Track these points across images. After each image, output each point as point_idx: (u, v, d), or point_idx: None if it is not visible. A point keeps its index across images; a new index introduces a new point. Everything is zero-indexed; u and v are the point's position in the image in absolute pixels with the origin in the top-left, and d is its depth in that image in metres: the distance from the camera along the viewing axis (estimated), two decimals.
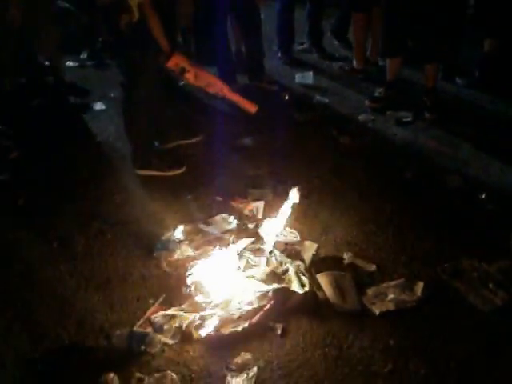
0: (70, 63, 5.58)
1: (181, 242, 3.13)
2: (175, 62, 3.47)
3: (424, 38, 4.42)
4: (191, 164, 3.96)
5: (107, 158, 4.18)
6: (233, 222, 3.25)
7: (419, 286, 2.84)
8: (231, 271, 2.85)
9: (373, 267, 2.99)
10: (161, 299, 2.81)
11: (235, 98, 3.67)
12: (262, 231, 3.13)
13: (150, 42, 3.42)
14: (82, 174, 3.95)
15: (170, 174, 3.86)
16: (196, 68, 3.56)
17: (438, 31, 4.35)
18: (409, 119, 4.54)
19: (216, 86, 3.63)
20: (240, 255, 2.95)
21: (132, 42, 3.47)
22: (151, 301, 2.82)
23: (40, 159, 4.12)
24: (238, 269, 2.88)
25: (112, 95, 4.97)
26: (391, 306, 2.74)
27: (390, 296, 2.78)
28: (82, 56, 5.75)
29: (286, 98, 4.92)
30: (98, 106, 4.88)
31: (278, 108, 4.80)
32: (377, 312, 2.72)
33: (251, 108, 3.64)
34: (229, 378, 2.42)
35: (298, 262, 2.95)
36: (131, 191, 3.71)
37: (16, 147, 4.16)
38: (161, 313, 2.70)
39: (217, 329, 2.60)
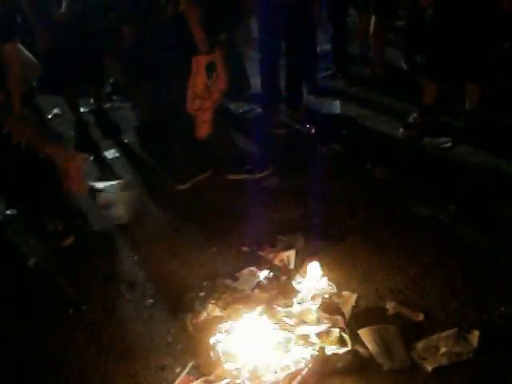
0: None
1: (207, 300, 3.05)
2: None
3: (475, 57, 4.32)
4: (213, 210, 3.92)
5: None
6: (263, 276, 3.17)
7: (475, 335, 2.72)
8: (263, 333, 2.76)
9: (420, 316, 2.89)
10: (188, 368, 2.73)
11: None
12: (295, 285, 3.05)
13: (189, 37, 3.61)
14: (94, 231, 3.91)
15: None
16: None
17: (487, 50, 4.26)
18: (448, 145, 4.44)
19: None
20: (272, 314, 2.87)
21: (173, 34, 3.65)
22: (178, 370, 2.75)
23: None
24: (271, 330, 2.78)
25: (126, 141, 4.98)
26: (445, 361, 2.63)
27: (443, 349, 2.67)
28: (91, 101, 5.77)
29: (313, 131, 4.85)
30: (111, 153, 4.85)
31: (304, 143, 4.75)
32: (429, 368, 2.61)
33: None
34: None
35: (337, 317, 2.85)
36: (150, 246, 3.65)
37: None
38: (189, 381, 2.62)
39: None
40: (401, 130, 4.71)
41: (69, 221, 3.87)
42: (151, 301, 3.20)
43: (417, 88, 4.73)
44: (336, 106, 5.22)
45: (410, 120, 4.72)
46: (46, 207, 3.84)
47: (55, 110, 5.67)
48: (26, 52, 4.25)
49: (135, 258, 3.56)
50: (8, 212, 4.04)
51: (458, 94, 4.55)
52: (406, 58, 5.89)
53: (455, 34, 4.19)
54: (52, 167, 4.45)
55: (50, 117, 5.65)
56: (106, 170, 4.64)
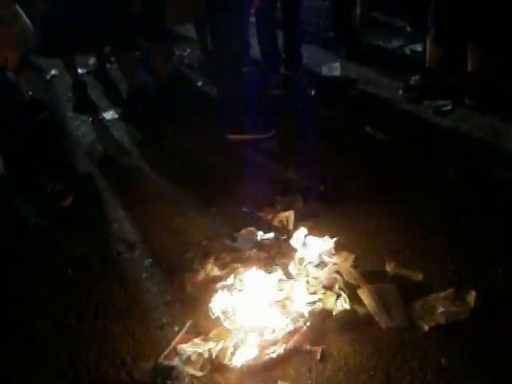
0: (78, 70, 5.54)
1: (205, 260, 3.04)
2: None
3: (478, 21, 4.24)
4: (213, 171, 3.91)
5: (120, 171, 4.11)
6: (261, 236, 3.16)
7: (472, 296, 2.71)
8: (262, 292, 2.75)
9: (419, 276, 2.88)
10: (187, 326, 2.72)
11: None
12: (294, 244, 3.04)
13: None
14: (93, 191, 3.88)
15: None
16: None
17: (496, 13, 4.18)
18: (448, 108, 4.40)
19: None
20: (271, 273, 2.86)
21: None
22: (176, 328, 2.74)
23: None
24: (270, 289, 2.78)
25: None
26: (442, 320, 2.63)
27: (440, 309, 2.66)
28: (90, 62, 5.71)
29: (313, 93, 4.80)
30: (110, 115, 4.81)
31: (304, 105, 4.69)
32: (426, 327, 2.61)
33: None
34: None
35: (336, 276, 2.84)
36: (148, 207, 3.63)
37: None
38: (188, 342, 2.62)
39: (250, 357, 2.51)
40: (400, 91, 4.66)
41: (67, 181, 3.84)
42: (150, 261, 3.18)
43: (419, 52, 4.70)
44: (336, 69, 5.17)
45: (412, 82, 4.67)
46: (43, 168, 3.81)
47: (53, 72, 5.61)
48: (25, 17, 4.19)
49: (134, 218, 3.54)
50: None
51: (461, 57, 4.50)
52: None
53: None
54: (49, 130, 4.46)
55: (48, 78, 5.59)
56: (105, 132, 4.60)
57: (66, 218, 3.61)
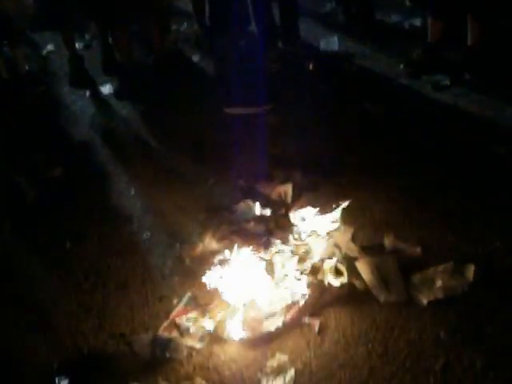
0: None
1: (203, 233, 3.02)
2: None
3: None
4: (210, 144, 3.89)
5: (118, 145, 4.08)
6: (260, 209, 3.14)
7: (470, 269, 2.69)
8: (260, 265, 2.74)
9: (417, 250, 2.86)
10: (185, 299, 2.71)
11: None
12: (292, 217, 3.02)
13: None
14: (91, 164, 3.85)
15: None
16: None
17: None
18: (447, 83, 4.36)
19: None
20: (270, 246, 2.84)
21: None
22: (175, 301, 2.74)
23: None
24: (268, 262, 2.76)
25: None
26: (440, 294, 2.61)
27: (439, 282, 2.65)
28: (86, 36, 5.65)
29: (311, 67, 4.76)
30: (107, 89, 4.76)
31: (302, 80, 4.65)
32: (425, 301, 2.59)
33: None
34: (264, 382, 2.33)
35: (334, 249, 2.83)
36: (146, 180, 3.61)
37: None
38: (186, 314, 2.61)
39: (249, 329, 2.51)
40: (401, 66, 4.61)
41: (55, 153, 3.84)
42: (148, 234, 3.18)
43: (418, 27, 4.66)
44: (334, 43, 5.11)
45: (414, 56, 4.63)
46: (30, 141, 3.80)
47: (49, 47, 5.57)
48: None
49: (131, 192, 3.53)
50: None
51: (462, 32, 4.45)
52: None
53: None
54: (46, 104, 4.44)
55: (44, 53, 5.54)
56: (102, 106, 4.57)
57: (62, 191, 3.59)
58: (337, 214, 3.00)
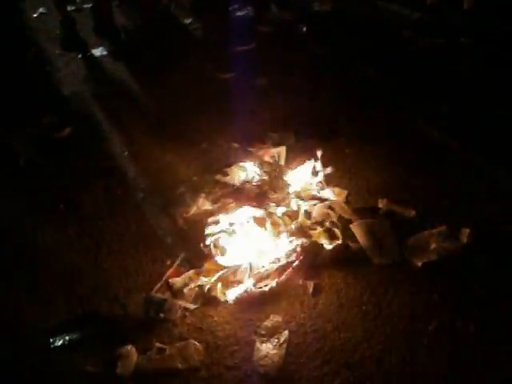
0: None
1: (197, 195, 2.99)
2: None
3: None
4: (203, 108, 3.83)
5: (111, 108, 4.00)
6: (253, 171, 3.10)
7: (464, 233, 2.68)
8: (254, 226, 2.71)
9: (412, 213, 2.84)
10: (179, 260, 2.69)
11: None
12: (286, 179, 2.99)
13: None
14: (84, 127, 3.79)
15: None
16: None
17: None
18: (443, 45, 4.32)
19: None
20: (263, 208, 2.81)
21: None
22: (168, 262, 2.71)
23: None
24: (262, 223, 2.73)
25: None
26: (434, 256, 2.60)
27: (433, 245, 2.64)
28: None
29: (304, 29, 4.69)
30: (99, 51, 4.68)
31: (295, 42, 4.58)
32: (419, 263, 2.58)
33: None
34: (258, 343, 2.31)
35: (328, 211, 2.80)
36: (139, 142, 3.56)
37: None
38: (180, 275, 2.59)
39: (242, 290, 2.49)
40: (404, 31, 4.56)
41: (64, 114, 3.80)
42: (141, 196, 3.14)
43: None
44: (328, 3, 5.03)
45: (413, 18, 4.58)
46: (39, 103, 3.73)
47: (41, 9, 5.46)
48: None
49: (126, 153, 3.48)
50: None
51: None
52: None
53: None
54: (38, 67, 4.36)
55: (35, 15, 5.44)
56: (94, 68, 4.49)
57: (59, 152, 3.54)
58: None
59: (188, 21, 5.09)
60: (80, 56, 4.66)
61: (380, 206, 2.88)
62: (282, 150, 3.26)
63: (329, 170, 3.07)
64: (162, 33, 4.74)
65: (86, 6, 5.37)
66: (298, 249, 2.61)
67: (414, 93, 3.82)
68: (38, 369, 2.35)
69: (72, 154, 3.53)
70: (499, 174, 3.08)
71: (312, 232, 2.70)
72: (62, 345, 2.41)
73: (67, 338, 2.42)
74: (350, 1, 5.13)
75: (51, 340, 2.42)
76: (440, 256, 2.60)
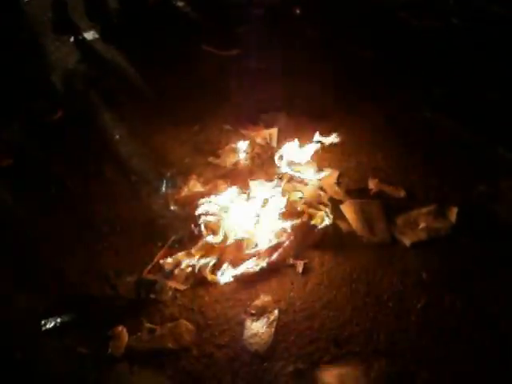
0: None
1: (188, 177, 3.01)
2: None
3: None
4: (195, 89, 3.84)
5: (103, 91, 4.00)
6: (245, 152, 3.12)
7: (453, 212, 2.72)
8: (245, 207, 2.74)
9: (402, 193, 2.87)
10: (170, 242, 2.72)
11: None
12: (277, 161, 3.01)
13: None
14: (76, 110, 3.80)
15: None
16: None
17: None
18: (436, 26, 4.33)
19: None
20: (254, 189, 2.83)
21: None
22: (160, 244, 2.73)
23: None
24: (253, 204, 2.76)
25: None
26: (423, 236, 2.64)
27: (422, 224, 2.67)
28: None
29: (298, 11, 4.68)
30: (91, 35, 4.67)
31: (289, 24, 4.57)
32: (408, 242, 2.62)
33: None
34: (248, 322, 2.35)
35: (319, 192, 2.83)
36: (130, 123, 3.59)
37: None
38: (170, 257, 2.62)
39: (233, 271, 2.52)
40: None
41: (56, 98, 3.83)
42: (133, 178, 3.15)
43: None
44: None
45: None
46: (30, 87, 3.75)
47: None
48: None
49: (118, 136, 3.49)
50: None
51: None
52: None
53: None
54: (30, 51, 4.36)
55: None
56: (86, 52, 4.49)
57: (51, 136, 3.55)
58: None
59: (182, 4, 5.08)
60: (72, 40, 4.64)
61: (370, 186, 2.91)
62: (274, 131, 3.28)
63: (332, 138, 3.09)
64: (156, 16, 4.74)
65: None
66: (289, 229, 2.63)
67: (407, 74, 3.84)
68: (29, 351, 2.37)
69: (63, 137, 3.53)
70: (486, 154, 3.11)
71: (303, 212, 2.72)
72: (52, 327, 2.43)
73: (58, 320, 2.45)
74: None
75: (42, 322, 2.44)
76: (429, 235, 2.64)
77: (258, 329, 2.31)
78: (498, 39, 4.09)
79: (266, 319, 2.33)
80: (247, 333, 2.31)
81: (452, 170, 3.02)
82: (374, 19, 4.54)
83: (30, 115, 3.68)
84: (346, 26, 4.49)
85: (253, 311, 2.38)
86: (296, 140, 3.11)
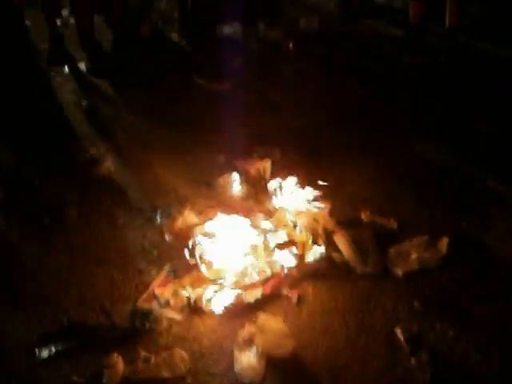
0: None
1: (182, 207, 3.05)
2: None
3: None
4: (189, 120, 3.92)
5: (96, 121, 4.06)
6: (238, 184, 3.17)
7: (444, 242, 2.77)
8: (239, 238, 2.77)
9: (394, 224, 2.92)
10: (165, 271, 2.75)
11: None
12: (271, 192, 3.07)
13: None
14: (68, 138, 3.86)
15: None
16: None
17: None
18: (428, 62, 4.46)
19: None
20: (248, 219, 2.88)
21: None
22: (154, 273, 2.76)
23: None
24: (247, 235, 2.80)
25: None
26: (415, 266, 2.68)
27: (414, 255, 2.72)
28: (63, 13, 5.59)
29: (290, 46, 4.78)
30: (84, 65, 4.73)
31: (282, 59, 4.70)
32: (400, 273, 2.66)
33: None
34: (237, 354, 2.33)
35: (312, 223, 2.87)
36: (126, 155, 3.63)
37: None
38: (166, 286, 2.64)
39: (228, 301, 2.55)
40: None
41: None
42: (127, 207, 3.19)
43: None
44: (315, 22, 5.12)
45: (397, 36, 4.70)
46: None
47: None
48: None
49: (112, 165, 3.53)
50: None
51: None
52: None
53: None
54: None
55: None
56: (80, 82, 4.55)
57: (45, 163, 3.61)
58: (314, 192, 3.06)
59: (175, 36, 5.17)
60: (66, 70, 4.70)
61: (362, 217, 2.96)
62: (267, 163, 3.32)
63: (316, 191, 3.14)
64: (149, 47, 4.82)
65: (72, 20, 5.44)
66: (282, 260, 2.68)
67: (398, 108, 3.93)
68: (24, 381, 2.38)
69: (59, 164, 3.58)
70: (476, 185, 3.20)
71: (296, 243, 2.77)
72: (48, 356, 2.44)
73: (53, 349, 2.45)
74: (336, 20, 5.21)
75: (37, 351, 2.45)
76: (421, 265, 2.68)
77: (248, 360, 2.31)
78: (485, 74, 4.20)
79: (255, 349, 2.34)
80: (238, 365, 2.32)
81: (442, 202, 3.09)
82: (366, 54, 4.64)
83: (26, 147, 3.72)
84: (338, 60, 4.58)
85: (241, 342, 2.38)
86: (289, 173, 3.16)
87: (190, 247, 2.76)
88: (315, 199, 3.02)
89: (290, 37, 4.91)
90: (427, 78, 4.29)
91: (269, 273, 2.65)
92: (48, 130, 3.85)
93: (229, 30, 5.08)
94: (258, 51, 4.76)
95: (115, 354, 2.36)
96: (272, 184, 3.10)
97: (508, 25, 4.73)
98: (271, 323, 2.45)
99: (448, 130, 3.65)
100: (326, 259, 2.74)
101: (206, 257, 2.70)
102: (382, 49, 4.71)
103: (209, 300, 2.57)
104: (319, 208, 2.98)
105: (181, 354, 2.38)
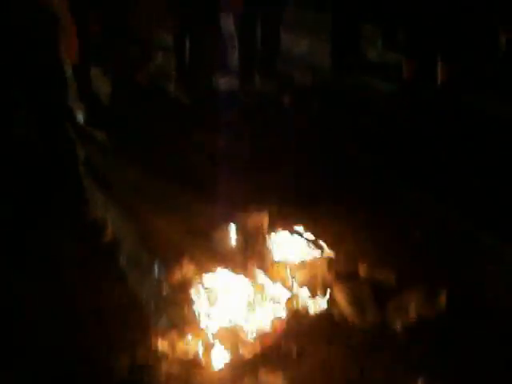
0: None
1: (181, 260, 3.06)
2: None
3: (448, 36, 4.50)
4: (187, 171, 3.97)
5: (95, 172, 4.09)
6: (236, 237, 3.19)
7: (442, 296, 2.78)
8: (238, 293, 2.79)
9: (392, 278, 2.93)
10: (163, 324, 2.74)
11: None
12: (269, 245, 3.08)
13: None
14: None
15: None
16: None
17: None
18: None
19: None
20: (247, 273, 2.89)
21: None
22: (152, 326, 2.75)
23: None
24: (246, 290, 2.81)
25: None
26: (413, 320, 2.69)
27: (412, 308, 2.73)
28: None
29: (287, 101, 4.86)
30: (81, 118, 4.76)
31: (278, 113, 4.77)
32: (398, 327, 2.67)
33: None
34: None
35: (311, 278, 2.88)
36: (124, 207, 3.65)
37: None
38: (164, 340, 2.63)
39: (227, 356, 2.54)
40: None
41: None
42: (124, 262, 3.20)
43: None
44: (309, 76, 5.21)
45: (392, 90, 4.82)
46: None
47: None
48: None
49: (109, 217, 3.55)
50: None
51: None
52: None
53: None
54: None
55: None
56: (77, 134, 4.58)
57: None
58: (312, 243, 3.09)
59: (172, 87, 5.23)
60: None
61: (360, 270, 2.98)
62: (265, 216, 3.34)
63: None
64: (146, 98, 4.89)
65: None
66: (282, 314, 2.68)
67: (393, 165, 4.00)
68: None
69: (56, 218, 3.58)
70: (472, 240, 3.24)
71: (295, 297, 2.78)
72: None
73: None
74: (329, 75, 5.31)
75: None
76: (419, 319, 2.69)
77: None
78: (484, 132, 4.29)
79: None
80: None
81: (439, 256, 3.12)
82: (360, 109, 4.73)
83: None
84: (332, 116, 4.67)
85: None
86: (287, 225, 3.19)
87: (189, 300, 2.76)
88: (314, 250, 3.04)
89: (286, 91, 5.00)
90: (420, 132, 4.35)
91: (268, 327, 2.65)
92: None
93: (225, 82, 5.16)
94: (255, 105, 4.81)
95: None
96: (270, 236, 3.11)
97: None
98: (270, 379, 2.45)
99: (445, 184, 3.70)
100: (325, 313, 2.74)
101: (205, 312, 2.70)
102: (376, 104, 4.78)
103: (208, 353, 2.56)
104: (318, 262, 3.00)
105: None
